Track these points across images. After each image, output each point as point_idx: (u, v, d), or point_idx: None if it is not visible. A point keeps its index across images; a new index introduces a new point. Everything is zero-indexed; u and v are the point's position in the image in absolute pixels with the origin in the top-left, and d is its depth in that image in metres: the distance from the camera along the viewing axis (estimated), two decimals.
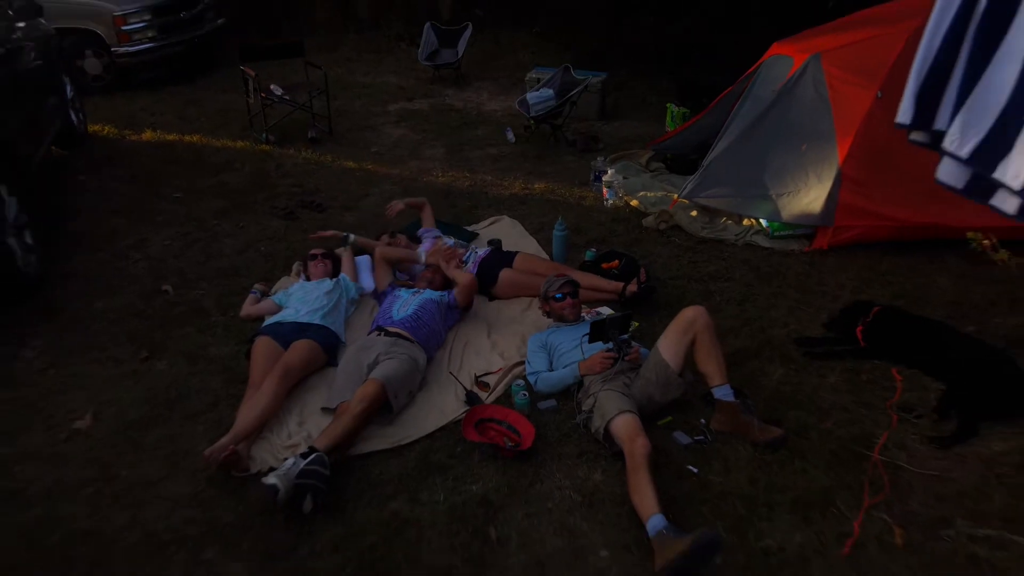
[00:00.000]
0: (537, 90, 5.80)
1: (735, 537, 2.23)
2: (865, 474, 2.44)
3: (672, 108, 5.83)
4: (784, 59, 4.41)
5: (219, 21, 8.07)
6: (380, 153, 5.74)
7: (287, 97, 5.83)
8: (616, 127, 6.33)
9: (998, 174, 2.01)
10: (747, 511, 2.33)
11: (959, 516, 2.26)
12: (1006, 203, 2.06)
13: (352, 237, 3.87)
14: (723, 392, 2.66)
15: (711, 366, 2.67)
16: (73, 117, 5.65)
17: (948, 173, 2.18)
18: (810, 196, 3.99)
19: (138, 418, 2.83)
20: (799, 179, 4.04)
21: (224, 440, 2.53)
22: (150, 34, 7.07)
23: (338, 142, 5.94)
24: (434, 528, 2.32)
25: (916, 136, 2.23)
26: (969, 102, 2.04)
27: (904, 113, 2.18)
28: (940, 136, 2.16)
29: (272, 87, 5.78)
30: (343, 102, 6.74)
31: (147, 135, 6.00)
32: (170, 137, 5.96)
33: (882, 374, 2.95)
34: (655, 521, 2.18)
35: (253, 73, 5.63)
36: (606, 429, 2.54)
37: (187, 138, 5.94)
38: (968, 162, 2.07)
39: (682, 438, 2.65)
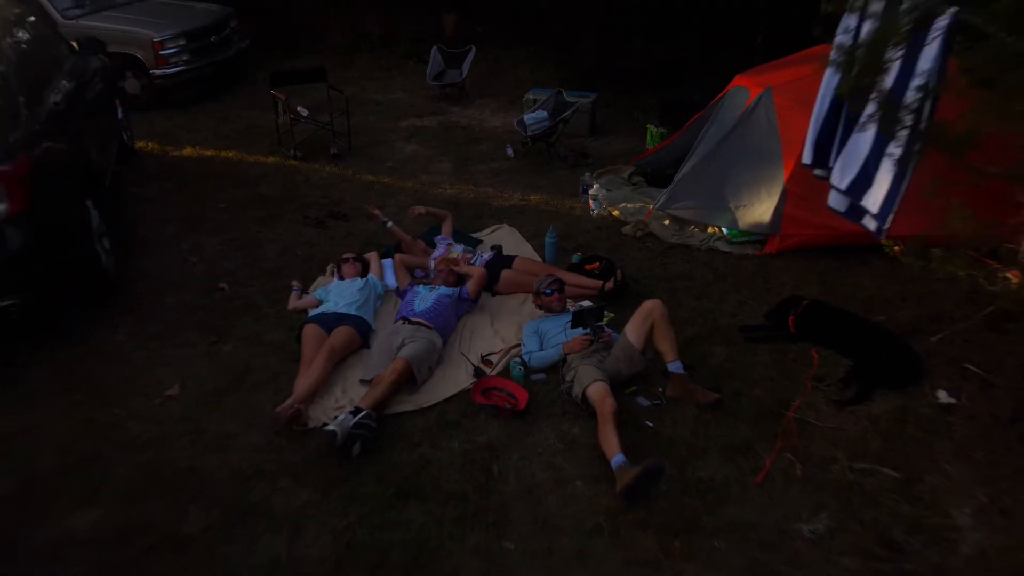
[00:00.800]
0: (533, 111, 6.55)
1: (677, 471, 2.99)
2: (780, 427, 3.20)
3: (651, 128, 6.58)
4: (743, 90, 5.16)
5: (244, 43, 8.83)
6: (395, 167, 6.50)
7: (312, 117, 6.57)
8: (604, 143, 7.08)
9: (864, 202, 2.77)
10: (688, 453, 3.08)
11: (844, 455, 3.02)
12: (870, 223, 2.81)
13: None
14: (675, 366, 3.42)
15: (665, 346, 3.42)
16: (123, 135, 6.42)
17: (835, 201, 2.94)
18: (762, 208, 4.74)
19: (215, 388, 3.59)
20: (753, 194, 4.79)
21: (289, 401, 3.29)
22: (184, 57, 7.83)
23: (357, 157, 6.69)
24: (451, 466, 3.08)
25: (817, 172, 2.97)
26: (845, 150, 2.79)
27: (807, 156, 2.92)
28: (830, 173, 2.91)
29: (299, 108, 6.53)
30: (359, 119, 7.48)
31: (188, 151, 6.75)
32: (208, 153, 6.72)
33: (805, 354, 3.70)
34: (617, 458, 2.94)
35: (283, 97, 6.39)
36: (583, 394, 3.29)
37: (223, 153, 6.69)
38: (846, 193, 2.82)
39: (643, 402, 3.41)
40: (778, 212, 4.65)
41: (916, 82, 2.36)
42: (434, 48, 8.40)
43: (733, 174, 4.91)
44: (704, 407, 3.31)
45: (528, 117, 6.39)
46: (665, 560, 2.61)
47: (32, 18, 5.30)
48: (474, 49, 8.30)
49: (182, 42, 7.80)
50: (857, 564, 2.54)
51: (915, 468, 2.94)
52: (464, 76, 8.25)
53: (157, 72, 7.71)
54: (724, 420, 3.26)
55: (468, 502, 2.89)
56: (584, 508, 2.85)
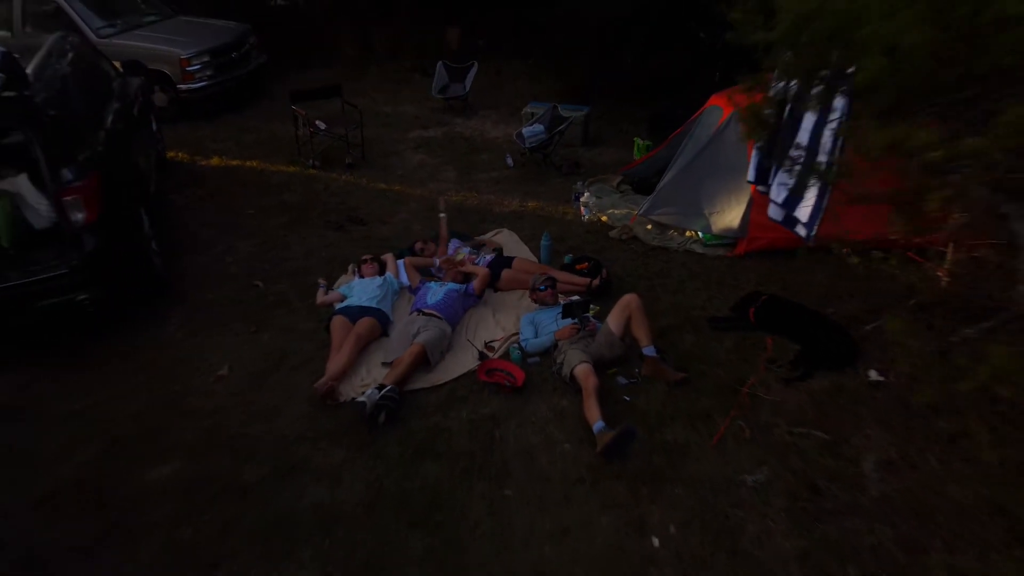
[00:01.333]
0: (531, 125, 7.18)
1: (647, 435, 3.61)
2: (735, 400, 3.83)
3: (638, 141, 7.20)
4: (717, 109, 5.78)
5: (261, 58, 9.47)
6: (404, 176, 7.13)
7: (329, 130, 7.20)
8: (596, 153, 7.71)
9: (796, 214, 3.40)
10: (657, 421, 3.71)
11: (785, 422, 3.65)
12: (801, 231, 3.45)
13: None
14: (649, 350, 4.04)
15: (641, 333, 4.05)
16: (157, 146, 7.05)
17: (773, 212, 3.57)
18: (731, 215, 5.37)
19: (258, 369, 4.22)
20: (724, 202, 5.42)
21: (323, 379, 3.92)
22: (208, 72, 8.46)
23: (370, 167, 7.32)
24: (460, 432, 3.70)
25: (759, 188, 3.59)
26: (781, 171, 3.41)
27: (751, 174, 3.54)
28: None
29: (317, 122, 7.16)
30: (370, 130, 8.09)
31: (215, 160, 7.39)
32: (234, 162, 7.35)
33: (761, 341, 4.33)
34: (598, 424, 3.56)
35: (303, 113, 7.02)
36: (571, 374, 3.91)
37: (248, 163, 7.33)
38: (782, 206, 3.45)
39: (621, 380, 4.03)
40: (745, 218, 5.28)
41: (830, 127, 2.98)
42: (439, 63, 9.04)
43: (707, 185, 5.53)
44: (673, 384, 3.94)
45: (526, 131, 7.02)
46: (635, 504, 3.24)
47: (77, 42, 5.93)
48: (476, 64, 8.94)
49: (206, 59, 8.43)
50: (786, 504, 3.17)
51: (842, 432, 3.56)
52: (467, 89, 8.89)
53: (183, 86, 8.34)
54: (689, 395, 3.89)
55: (474, 459, 3.52)
56: (570, 464, 3.48)
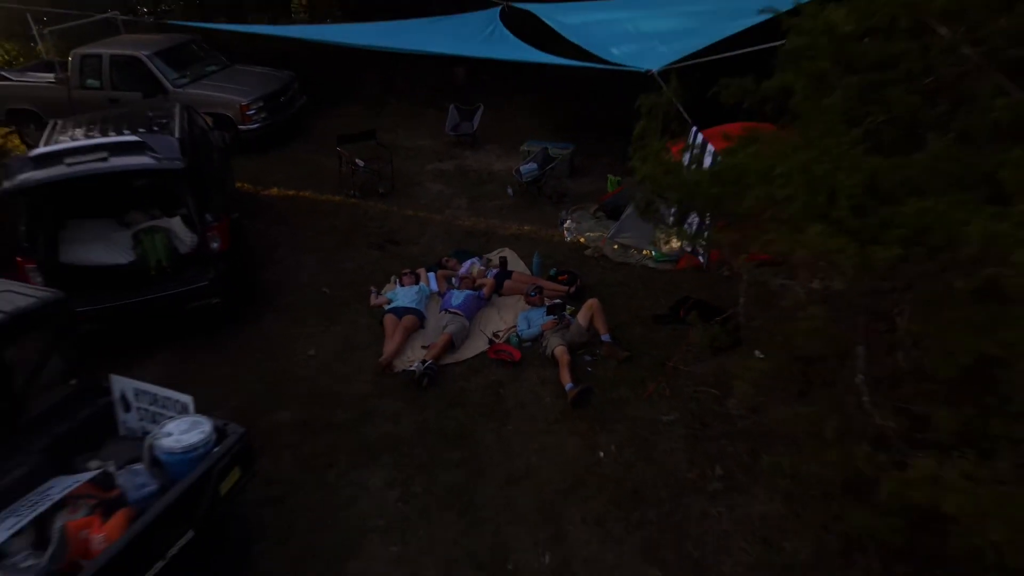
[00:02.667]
0: (527, 163, 9.02)
1: (601, 393, 5.46)
2: (663, 371, 5.67)
3: (610, 177, 9.07)
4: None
5: (303, 100, 11.35)
6: (427, 204, 8.99)
7: (367, 167, 9.05)
8: (580, 184, 9.56)
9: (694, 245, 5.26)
10: (609, 386, 5.55)
11: (692, 384, 5.50)
12: (699, 257, 5.30)
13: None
14: (606, 337, 5.90)
15: (600, 326, 5.90)
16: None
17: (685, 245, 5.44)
18: (675, 240, 7.22)
19: (336, 351, 6.07)
20: (669, 230, 7.27)
21: (383, 357, 5.78)
22: (262, 115, 10.32)
23: (399, 196, 9.18)
24: (476, 391, 5.56)
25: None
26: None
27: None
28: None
29: (356, 160, 9.02)
30: (396, 163, 9.95)
31: (274, 191, 9.25)
32: (290, 192, 9.21)
33: (687, 331, 6.18)
34: (569, 385, 5.41)
35: (347, 154, 8.89)
36: (552, 353, 5.76)
37: (301, 193, 9.19)
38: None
39: (587, 358, 5.88)
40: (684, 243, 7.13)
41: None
42: (451, 106, 10.91)
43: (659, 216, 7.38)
44: (621, 361, 5.79)
45: (523, 168, 8.87)
46: (591, 434, 5.09)
47: (188, 105, 7.81)
48: (483, 107, 10.80)
49: (260, 103, 10.29)
50: (685, 433, 5.03)
51: (728, 390, 5.42)
52: (475, 128, 10.74)
53: (243, 127, 10.19)
54: (632, 368, 5.74)
55: (486, 408, 5.37)
56: (549, 410, 5.34)
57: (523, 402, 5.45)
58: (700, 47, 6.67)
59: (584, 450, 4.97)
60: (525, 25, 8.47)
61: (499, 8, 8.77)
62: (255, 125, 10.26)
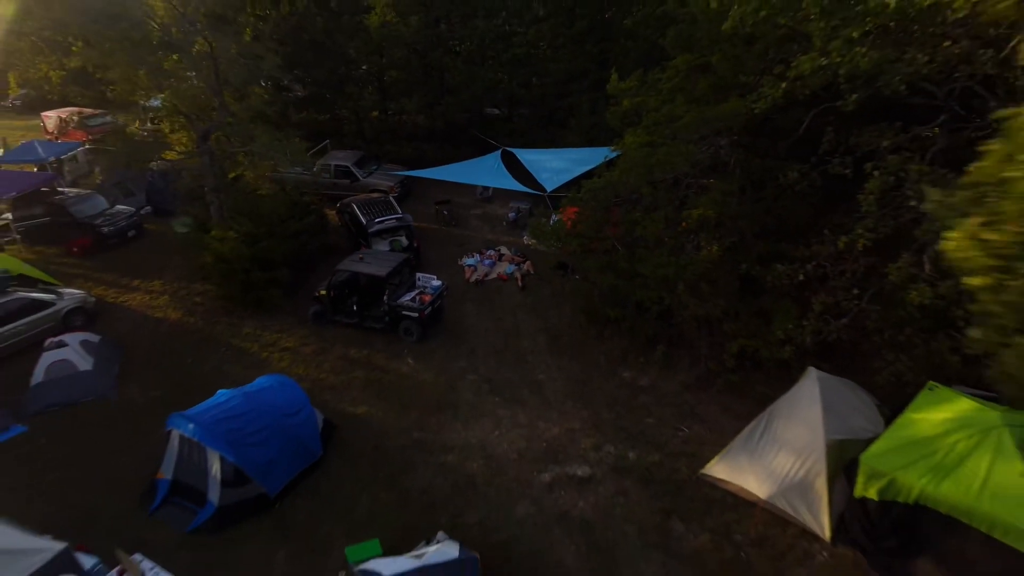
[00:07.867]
0: (512, 213, 22.61)
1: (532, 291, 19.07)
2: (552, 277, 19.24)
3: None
4: None
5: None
6: (473, 228, 22.60)
7: (451, 213, 22.68)
8: (534, 218, 23.13)
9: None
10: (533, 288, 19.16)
11: (552, 283, 19.11)
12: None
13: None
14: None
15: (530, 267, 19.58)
16: None
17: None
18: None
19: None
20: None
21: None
22: (399, 189, 23.93)
23: (459, 225, 22.79)
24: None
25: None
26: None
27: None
28: None
29: (445, 211, 22.64)
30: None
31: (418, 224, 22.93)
32: (422, 226, 22.81)
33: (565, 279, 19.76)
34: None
35: (444, 210, 22.61)
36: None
37: (425, 226, 22.78)
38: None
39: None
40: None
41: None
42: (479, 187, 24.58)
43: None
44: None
45: (510, 215, 22.48)
46: (538, 315, 18.72)
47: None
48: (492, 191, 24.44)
49: (399, 183, 23.93)
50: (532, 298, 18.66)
51: (561, 285, 18.99)
52: (491, 191, 24.33)
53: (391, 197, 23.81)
54: (536, 281, 19.34)
55: (484, 305, 19.01)
56: (510, 301, 18.98)
57: (495, 301, 19.04)
58: (574, 175, 20.40)
59: (524, 321, 18.59)
60: (511, 157, 22.31)
61: (499, 151, 22.56)
62: (395, 194, 23.87)
